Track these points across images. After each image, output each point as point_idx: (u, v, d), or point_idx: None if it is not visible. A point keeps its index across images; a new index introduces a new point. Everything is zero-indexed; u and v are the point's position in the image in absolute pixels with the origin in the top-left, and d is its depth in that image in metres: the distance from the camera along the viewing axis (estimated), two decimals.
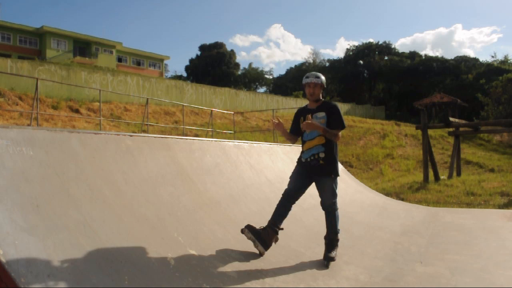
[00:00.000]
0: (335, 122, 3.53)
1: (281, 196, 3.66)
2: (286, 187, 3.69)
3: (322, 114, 3.56)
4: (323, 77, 3.66)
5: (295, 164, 3.79)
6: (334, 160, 3.58)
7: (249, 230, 3.42)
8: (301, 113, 3.74)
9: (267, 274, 3.09)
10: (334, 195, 3.58)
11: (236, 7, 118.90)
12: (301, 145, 3.77)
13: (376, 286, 3.10)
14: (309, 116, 3.52)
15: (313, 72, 3.70)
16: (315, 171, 3.55)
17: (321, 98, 3.69)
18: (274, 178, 5.91)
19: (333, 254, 3.53)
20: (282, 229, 3.58)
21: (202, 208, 4.04)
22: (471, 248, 4.24)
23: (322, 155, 3.52)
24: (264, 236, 3.43)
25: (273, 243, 3.53)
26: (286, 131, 3.72)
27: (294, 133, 3.79)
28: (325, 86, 3.70)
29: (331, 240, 3.60)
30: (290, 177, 3.70)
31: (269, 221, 3.55)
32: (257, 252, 3.44)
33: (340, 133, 3.56)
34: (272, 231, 3.50)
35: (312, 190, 3.70)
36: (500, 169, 15.94)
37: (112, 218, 3.03)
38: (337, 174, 3.60)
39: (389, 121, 33.39)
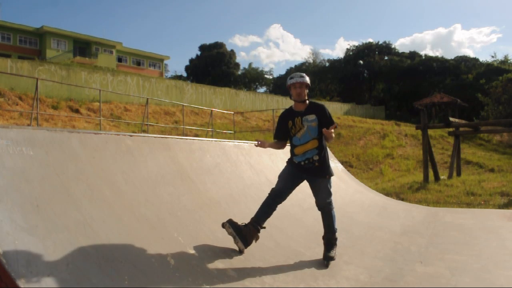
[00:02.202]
0: (327, 123, 3.46)
1: (268, 194, 3.60)
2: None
3: (312, 117, 3.50)
4: (307, 77, 3.59)
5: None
6: (327, 161, 3.58)
7: (230, 225, 3.35)
8: (288, 117, 3.61)
9: (267, 274, 3.09)
10: (329, 194, 3.57)
11: (236, 8, 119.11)
12: (290, 147, 3.69)
13: (376, 286, 3.10)
14: (329, 129, 3.36)
15: (297, 73, 3.62)
16: (310, 173, 3.54)
17: (307, 98, 3.60)
18: (274, 178, 5.85)
19: (332, 253, 3.54)
20: (264, 227, 3.52)
21: (202, 208, 4.04)
22: (471, 248, 4.23)
23: (316, 157, 3.50)
24: (246, 233, 3.36)
25: (254, 242, 3.45)
26: (272, 143, 3.65)
27: (282, 139, 3.70)
28: (310, 86, 3.61)
29: (329, 239, 3.61)
30: (279, 176, 3.64)
31: (252, 219, 3.48)
32: (237, 248, 3.38)
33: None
34: (254, 229, 3.43)
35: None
36: (500, 169, 15.93)
37: (112, 218, 3.03)
38: (331, 175, 3.58)
39: (389, 121, 33.41)
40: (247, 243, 3.37)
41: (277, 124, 3.72)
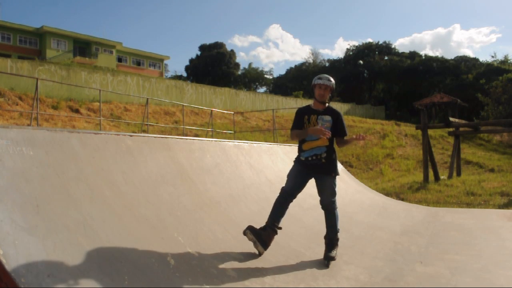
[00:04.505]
0: (342, 129, 3.63)
1: (278, 194, 3.66)
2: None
3: (328, 118, 3.61)
4: (333, 81, 3.68)
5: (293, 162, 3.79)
6: (334, 160, 3.65)
7: (251, 232, 3.44)
8: (305, 113, 3.71)
9: (267, 274, 3.09)
10: (333, 194, 3.59)
11: (235, 8, 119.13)
12: (298, 144, 3.77)
13: (376, 286, 3.10)
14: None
15: (326, 75, 3.69)
16: (316, 170, 3.58)
17: (327, 102, 3.72)
18: (274, 178, 5.91)
19: (333, 253, 3.54)
20: (280, 228, 3.59)
21: (202, 208, 4.04)
22: (471, 248, 4.23)
23: (324, 155, 3.57)
24: (265, 237, 3.46)
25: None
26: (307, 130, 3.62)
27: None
28: (334, 91, 3.73)
29: (331, 239, 3.61)
30: (288, 176, 3.70)
31: (268, 221, 3.56)
32: (257, 252, 3.45)
33: None
34: (272, 231, 3.52)
35: (312, 190, 3.71)
36: (500, 169, 15.93)
37: (112, 218, 3.03)
38: (337, 173, 3.64)
39: (389, 121, 33.37)
40: (266, 246, 3.47)
41: (295, 118, 3.79)
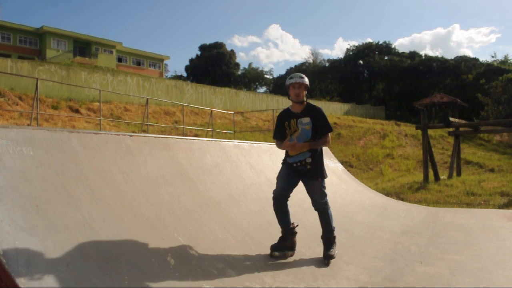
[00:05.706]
0: (322, 126, 3.50)
1: (272, 201, 3.64)
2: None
3: (307, 120, 3.49)
4: (306, 78, 3.58)
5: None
6: (320, 163, 3.58)
7: (275, 249, 3.49)
8: (285, 117, 3.62)
9: (267, 274, 3.09)
10: (323, 196, 3.58)
11: (235, 8, 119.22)
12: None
13: (376, 286, 3.10)
14: (292, 142, 3.42)
15: (296, 73, 3.64)
16: (303, 175, 3.57)
17: (305, 100, 3.58)
18: (274, 178, 5.86)
19: (332, 252, 3.55)
20: (297, 225, 3.67)
21: (202, 208, 4.03)
22: (471, 248, 4.23)
23: (309, 160, 3.51)
24: (289, 244, 3.57)
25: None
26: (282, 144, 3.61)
27: (280, 138, 3.65)
28: (309, 88, 3.60)
29: (328, 238, 3.63)
30: (277, 178, 3.67)
31: (282, 229, 3.61)
32: (289, 255, 3.56)
33: (329, 137, 3.54)
34: (292, 235, 3.61)
35: None
36: (500, 169, 15.93)
37: (112, 218, 3.03)
38: (323, 177, 3.57)
39: (389, 121, 33.41)
40: (294, 249, 3.62)
41: (276, 124, 3.75)
